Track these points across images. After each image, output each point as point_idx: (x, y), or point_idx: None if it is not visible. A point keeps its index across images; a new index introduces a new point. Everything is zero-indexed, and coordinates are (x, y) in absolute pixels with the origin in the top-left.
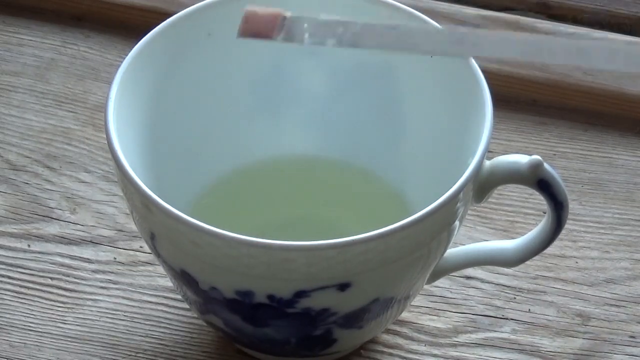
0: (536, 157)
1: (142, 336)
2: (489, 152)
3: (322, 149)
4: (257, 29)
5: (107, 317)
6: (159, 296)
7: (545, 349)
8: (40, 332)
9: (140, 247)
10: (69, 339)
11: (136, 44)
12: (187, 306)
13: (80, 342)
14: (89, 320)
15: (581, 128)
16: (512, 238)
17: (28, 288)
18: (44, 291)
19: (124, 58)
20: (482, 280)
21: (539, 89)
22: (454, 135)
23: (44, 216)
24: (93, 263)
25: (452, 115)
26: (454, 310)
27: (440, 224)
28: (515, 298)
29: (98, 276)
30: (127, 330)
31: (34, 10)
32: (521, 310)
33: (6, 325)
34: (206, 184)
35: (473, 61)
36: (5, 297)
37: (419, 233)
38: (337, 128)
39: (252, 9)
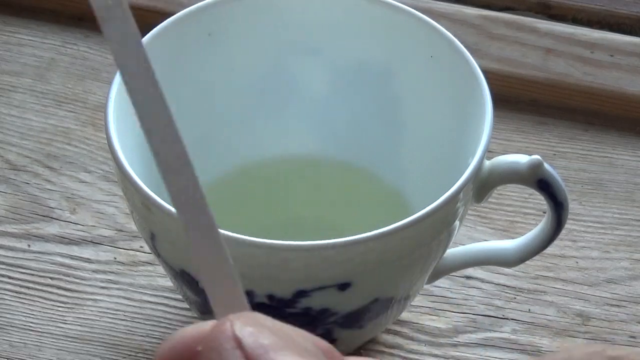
0: (536, 157)
1: (142, 336)
2: (489, 152)
3: (322, 149)
4: None
5: (107, 317)
6: (159, 296)
7: (545, 349)
8: (41, 332)
9: (140, 247)
10: (69, 339)
11: None
12: (187, 306)
13: (80, 342)
14: (89, 320)
15: (581, 128)
16: (512, 238)
17: (28, 288)
18: (44, 291)
19: None
20: (482, 280)
21: (539, 89)
22: (454, 135)
23: (44, 216)
24: (93, 263)
25: (452, 115)
26: (454, 310)
27: (440, 224)
28: (515, 298)
29: (98, 276)
30: (128, 330)
31: (34, 10)
32: (521, 310)
33: (6, 325)
34: (206, 184)
35: (473, 61)
36: (5, 297)
37: (419, 233)
38: (338, 128)
39: None
